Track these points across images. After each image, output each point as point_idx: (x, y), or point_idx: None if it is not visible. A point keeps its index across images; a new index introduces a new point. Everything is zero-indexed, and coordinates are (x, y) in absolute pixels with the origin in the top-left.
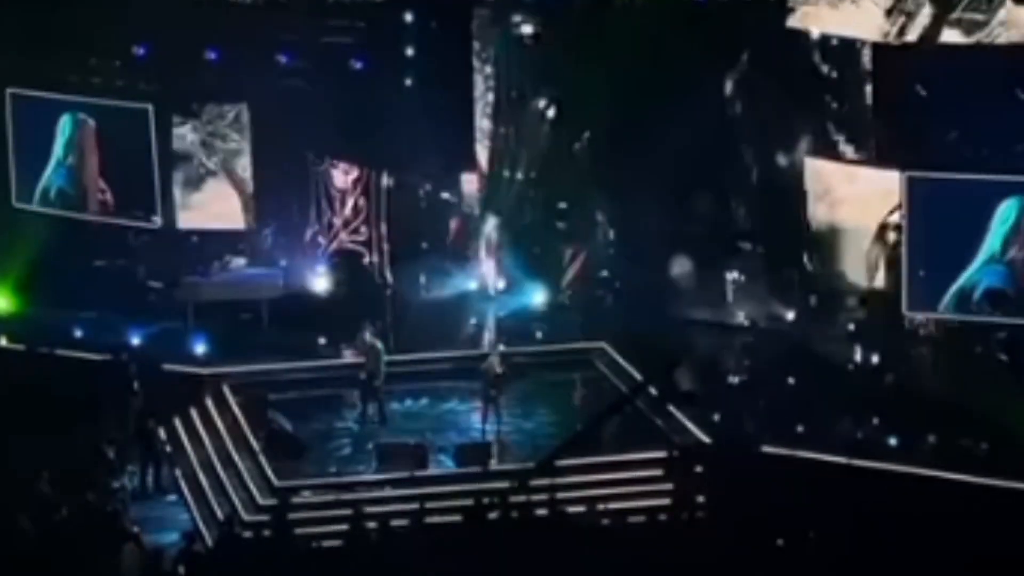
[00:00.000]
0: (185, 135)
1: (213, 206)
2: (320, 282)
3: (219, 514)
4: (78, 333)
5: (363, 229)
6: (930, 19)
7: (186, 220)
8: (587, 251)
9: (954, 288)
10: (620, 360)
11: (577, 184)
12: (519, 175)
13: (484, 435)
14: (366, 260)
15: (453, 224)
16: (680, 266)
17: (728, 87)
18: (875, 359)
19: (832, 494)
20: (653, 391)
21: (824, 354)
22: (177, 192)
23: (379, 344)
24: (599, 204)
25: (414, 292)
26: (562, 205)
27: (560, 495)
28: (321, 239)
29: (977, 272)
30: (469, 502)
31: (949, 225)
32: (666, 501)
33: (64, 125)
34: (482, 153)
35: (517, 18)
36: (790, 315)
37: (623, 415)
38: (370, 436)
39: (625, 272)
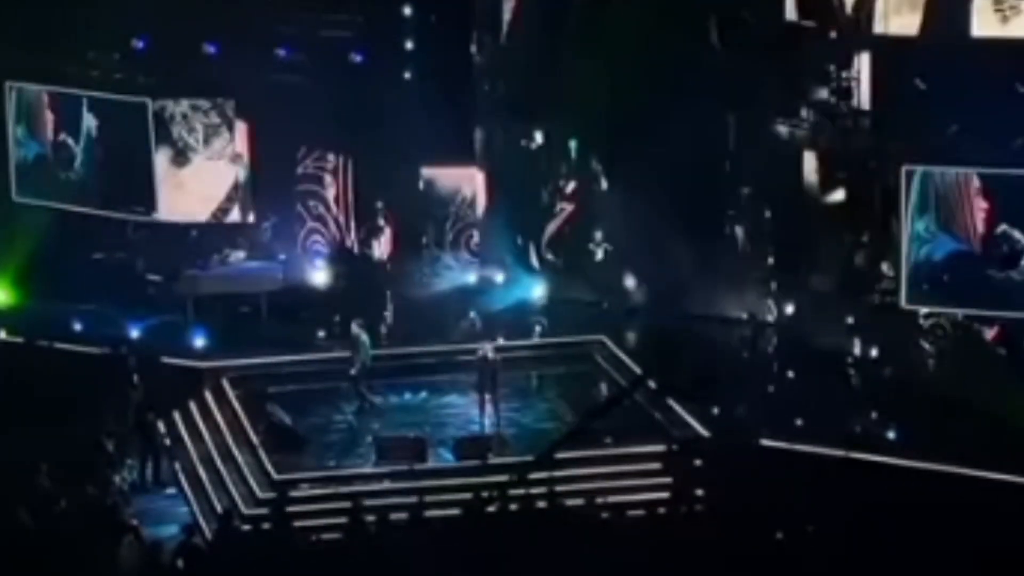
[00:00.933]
0: (165, 106)
1: (198, 189)
2: (319, 276)
3: (218, 507)
4: (77, 326)
5: (330, 156)
6: None
7: (174, 201)
8: (576, 206)
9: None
10: (619, 353)
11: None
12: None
13: (483, 427)
14: (328, 180)
15: None
16: (679, 258)
17: (725, 75)
18: (874, 352)
19: (830, 487)
20: (652, 384)
21: (823, 347)
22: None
23: (364, 336)
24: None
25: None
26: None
27: (559, 488)
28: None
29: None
30: (468, 495)
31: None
32: (665, 494)
33: (13, 104)
34: None
35: None
36: (789, 308)
37: (622, 408)
38: (369, 429)
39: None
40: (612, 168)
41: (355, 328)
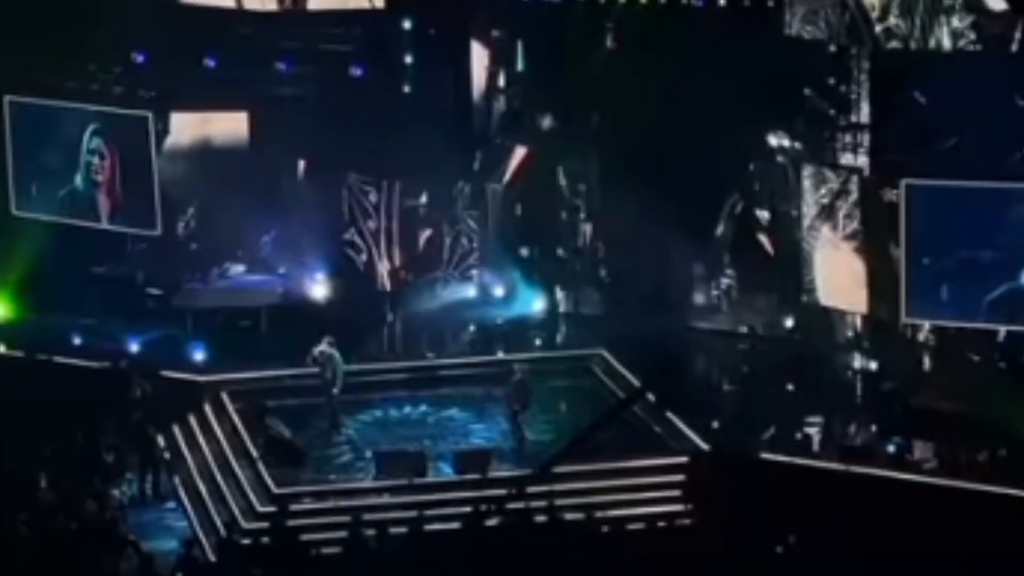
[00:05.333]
0: None
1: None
2: (319, 289)
3: (218, 521)
4: (77, 340)
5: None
6: None
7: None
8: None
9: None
10: (618, 367)
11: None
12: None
13: (510, 440)
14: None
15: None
16: (675, 270)
17: (724, 90)
18: (873, 366)
19: (830, 501)
20: (651, 397)
21: (823, 361)
22: None
23: (337, 354)
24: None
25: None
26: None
27: (558, 502)
28: None
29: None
30: (468, 509)
31: (945, 233)
32: (664, 508)
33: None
34: None
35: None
36: (789, 321)
37: (621, 422)
38: (369, 443)
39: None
40: (612, 180)
41: (326, 347)
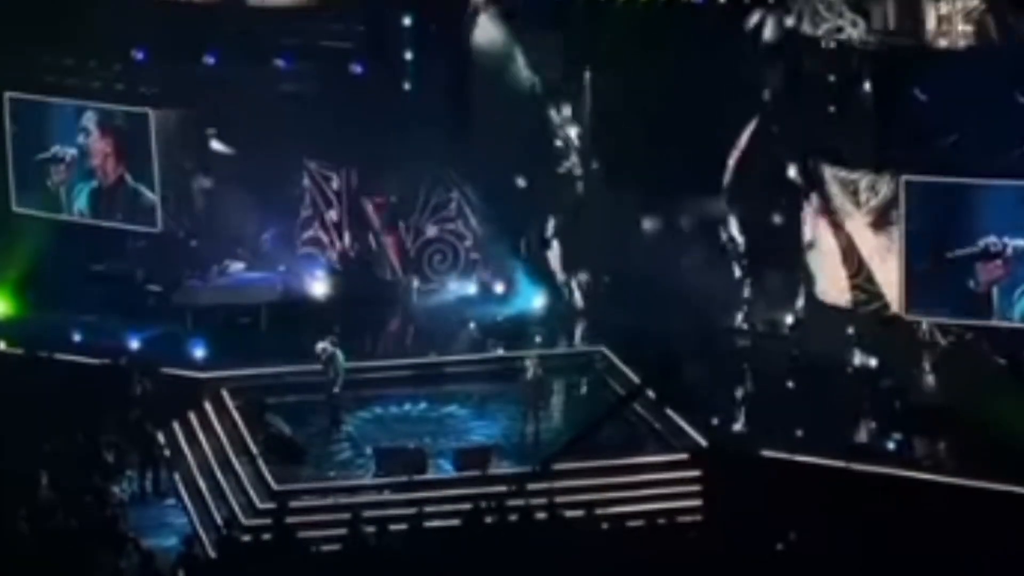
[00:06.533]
0: None
1: None
2: (319, 286)
3: (218, 518)
4: (77, 337)
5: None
6: None
7: None
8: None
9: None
10: (619, 364)
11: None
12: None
13: (526, 437)
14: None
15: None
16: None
17: (727, 87)
18: (873, 363)
19: (830, 498)
20: (651, 394)
21: (822, 358)
22: None
23: (339, 352)
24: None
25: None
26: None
27: (558, 499)
28: None
29: None
30: (468, 506)
31: (949, 229)
32: (664, 505)
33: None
34: None
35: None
36: (789, 318)
37: (621, 419)
38: (369, 440)
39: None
40: (612, 178)
41: (328, 346)
